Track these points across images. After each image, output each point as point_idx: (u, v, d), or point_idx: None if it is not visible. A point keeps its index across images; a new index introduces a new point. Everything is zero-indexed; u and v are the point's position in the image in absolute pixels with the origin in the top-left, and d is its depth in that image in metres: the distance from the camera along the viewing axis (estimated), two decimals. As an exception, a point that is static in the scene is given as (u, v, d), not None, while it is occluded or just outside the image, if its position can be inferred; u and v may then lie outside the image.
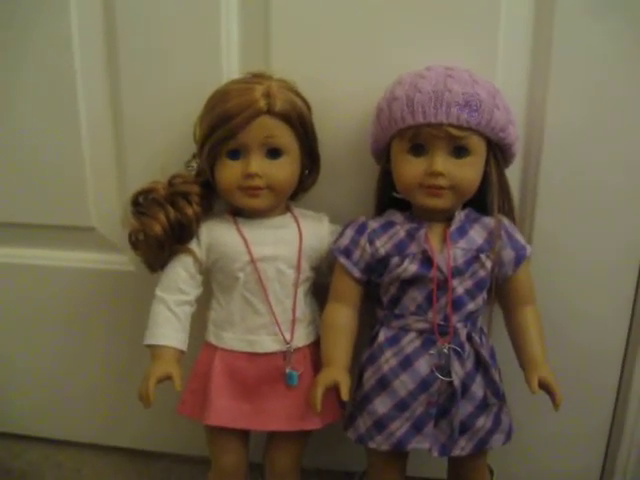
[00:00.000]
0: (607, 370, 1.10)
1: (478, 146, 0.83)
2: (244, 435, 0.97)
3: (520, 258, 0.89)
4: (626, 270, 1.03)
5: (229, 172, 0.88)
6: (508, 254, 0.88)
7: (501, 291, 0.91)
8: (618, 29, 0.92)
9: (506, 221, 0.90)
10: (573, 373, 1.05)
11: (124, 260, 1.13)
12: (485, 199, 0.89)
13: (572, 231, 1.01)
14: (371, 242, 0.89)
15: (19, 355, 1.28)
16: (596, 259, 1.02)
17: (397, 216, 0.90)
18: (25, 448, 1.34)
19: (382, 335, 0.89)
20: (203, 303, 0.97)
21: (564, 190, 0.99)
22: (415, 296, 0.87)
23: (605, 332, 1.07)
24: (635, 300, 1.05)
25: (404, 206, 0.91)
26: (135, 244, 0.93)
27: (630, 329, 1.06)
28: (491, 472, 1.00)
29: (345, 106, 0.97)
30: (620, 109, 0.95)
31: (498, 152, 0.87)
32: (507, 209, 0.92)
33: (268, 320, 0.92)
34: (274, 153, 0.88)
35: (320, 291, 0.97)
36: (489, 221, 0.88)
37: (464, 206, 0.90)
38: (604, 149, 0.97)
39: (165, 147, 1.03)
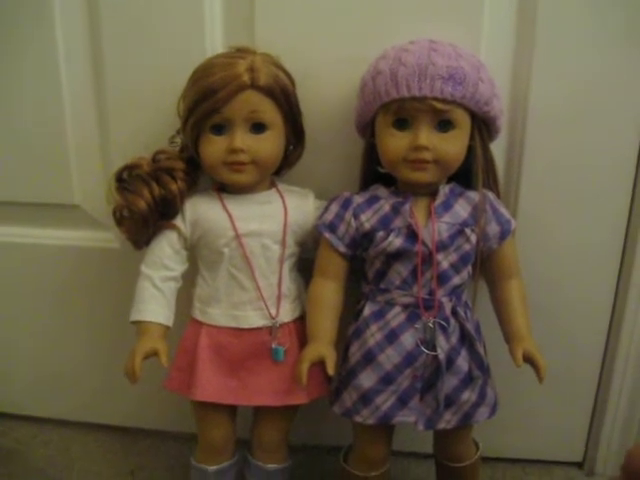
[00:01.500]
0: (590, 349, 1.11)
1: (462, 120, 0.83)
2: (231, 410, 0.98)
3: (505, 232, 0.89)
4: (610, 249, 1.04)
5: (213, 147, 0.88)
6: (493, 228, 0.88)
7: (486, 265, 0.92)
8: (603, 6, 0.92)
9: (491, 195, 0.90)
10: (557, 351, 1.05)
11: (109, 237, 1.13)
12: (470, 173, 0.89)
13: (556, 210, 1.02)
14: (356, 217, 0.89)
15: (4, 334, 1.28)
16: (580, 238, 1.03)
17: (382, 190, 0.90)
18: (13, 426, 1.34)
19: (367, 309, 0.90)
20: (189, 279, 0.97)
21: (548, 167, 0.99)
22: (400, 270, 0.87)
23: (588, 313, 1.08)
24: (618, 280, 1.06)
25: (389, 181, 0.90)
26: (120, 220, 0.93)
27: (613, 309, 1.08)
28: (476, 446, 1.01)
29: (330, 80, 0.97)
30: (605, 87, 0.95)
31: (482, 126, 0.86)
32: (492, 183, 0.92)
33: (254, 295, 0.92)
34: (258, 128, 0.87)
35: (306, 266, 0.97)
36: (474, 195, 0.88)
37: (449, 180, 0.90)
38: (588, 126, 0.97)
39: (149, 123, 1.02)
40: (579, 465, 1.19)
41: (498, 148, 0.95)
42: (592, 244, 1.03)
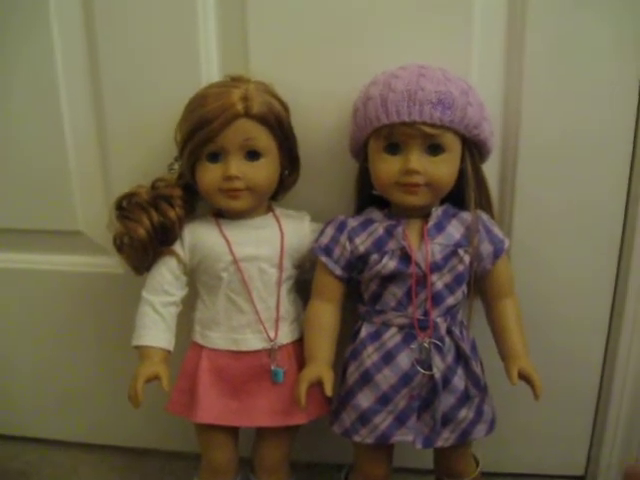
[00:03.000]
0: (589, 364, 1.12)
1: (452, 143, 0.84)
2: (233, 431, 0.99)
3: (498, 251, 0.90)
4: (605, 269, 1.05)
5: (209, 175, 0.90)
6: (486, 248, 0.90)
7: (481, 285, 0.93)
8: (594, 25, 0.93)
9: (484, 215, 0.91)
10: (556, 368, 1.07)
11: (112, 263, 1.14)
12: (463, 195, 0.90)
13: (550, 228, 1.03)
14: (351, 240, 0.90)
15: (12, 358, 1.30)
16: (575, 255, 1.04)
17: (376, 213, 0.92)
18: (22, 449, 1.36)
19: (364, 330, 0.91)
20: (189, 304, 0.98)
21: (541, 187, 1.00)
22: (395, 292, 0.88)
23: (586, 329, 1.09)
24: (614, 296, 1.06)
25: (383, 204, 0.92)
26: (120, 247, 0.95)
27: (610, 325, 1.08)
28: (476, 462, 1.02)
29: (324, 106, 0.98)
30: (597, 107, 0.96)
31: (473, 148, 0.88)
32: (485, 204, 0.93)
33: (252, 319, 0.94)
34: (253, 155, 0.89)
35: (305, 288, 0.99)
36: (467, 216, 0.89)
37: (443, 202, 0.91)
38: (580, 146, 0.98)
39: (148, 151, 1.04)
40: (581, 479, 1.19)
41: (491, 168, 0.96)
42: (587, 261, 1.04)
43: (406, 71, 0.84)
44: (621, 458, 1.14)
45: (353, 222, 0.91)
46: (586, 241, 1.03)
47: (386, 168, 0.85)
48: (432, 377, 0.87)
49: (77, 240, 1.17)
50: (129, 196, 0.94)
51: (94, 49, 1.04)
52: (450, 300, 0.88)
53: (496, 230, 0.91)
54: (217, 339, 0.95)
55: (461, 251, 0.88)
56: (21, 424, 1.37)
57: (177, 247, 0.95)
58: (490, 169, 0.95)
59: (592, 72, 0.95)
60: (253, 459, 1.03)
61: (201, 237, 0.94)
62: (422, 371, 0.87)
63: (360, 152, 0.92)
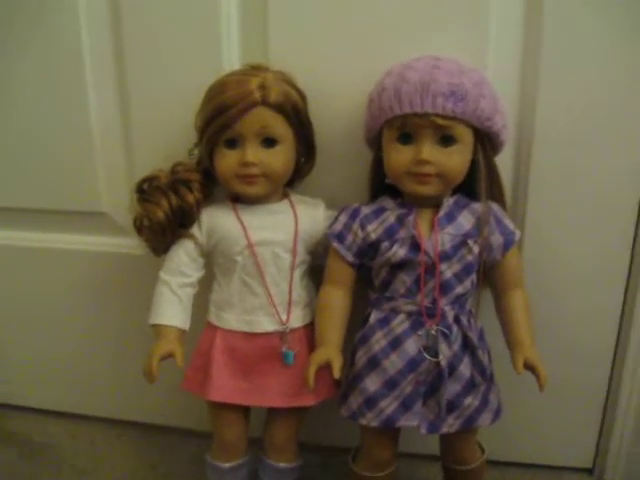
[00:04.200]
0: (599, 357, 1.12)
1: (464, 135, 0.85)
2: (244, 411, 1.02)
3: (508, 243, 0.91)
4: (617, 261, 1.05)
5: (226, 161, 0.92)
6: (497, 239, 0.91)
7: (490, 275, 0.94)
8: (609, 18, 0.93)
9: (495, 206, 0.92)
10: (565, 359, 1.08)
11: (133, 244, 1.17)
12: (475, 186, 0.91)
13: (563, 222, 1.03)
14: (363, 227, 0.92)
15: (35, 334, 1.35)
16: (587, 249, 1.04)
17: (388, 202, 0.93)
18: (45, 421, 1.41)
19: (373, 316, 0.93)
20: (206, 285, 1.01)
21: (555, 180, 1.01)
22: (404, 279, 0.90)
23: (597, 322, 1.09)
24: (626, 290, 1.07)
25: (396, 193, 0.93)
26: (139, 229, 0.98)
27: (621, 323, 1.09)
28: (482, 450, 1.03)
29: (340, 96, 1.00)
30: (612, 98, 0.96)
31: (486, 140, 0.88)
32: (497, 195, 0.94)
33: (265, 301, 0.96)
34: (269, 142, 0.91)
35: (317, 274, 1.00)
36: (478, 207, 0.90)
37: (454, 192, 0.92)
38: (596, 140, 0.98)
39: (170, 136, 1.06)
40: (589, 471, 1.20)
41: (505, 160, 0.97)
42: (599, 255, 1.04)
43: (420, 62, 0.85)
44: (629, 450, 1.15)
45: (366, 210, 0.93)
46: (599, 233, 1.03)
47: (398, 158, 0.86)
48: (438, 364, 0.89)
49: (100, 221, 1.20)
50: (149, 179, 0.97)
51: (119, 36, 1.07)
52: (459, 289, 0.90)
53: (507, 221, 0.92)
54: (231, 320, 0.97)
55: (470, 241, 0.89)
56: (44, 398, 1.42)
57: (195, 230, 0.97)
58: (504, 160, 0.95)
59: (609, 64, 0.94)
60: (263, 439, 1.06)
61: (218, 221, 0.97)
62: (428, 358, 0.88)
63: (374, 141, 0.93)
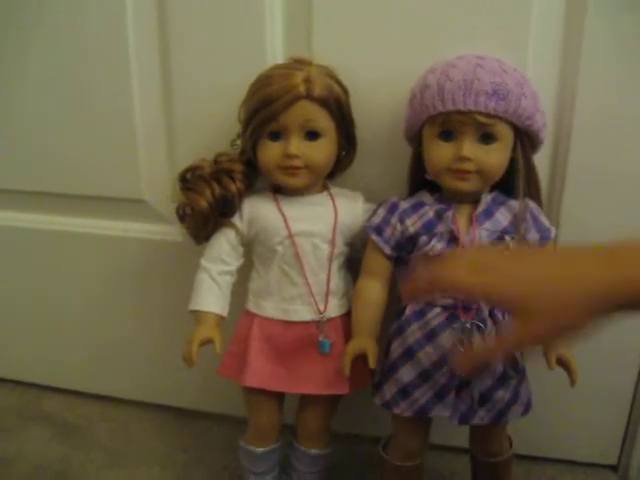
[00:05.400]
0: (628, 355, 1.13)
1: (505, 133, 0.86)
2: (278, 397, 1.04)
3: (544, 240, 0.92)
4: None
5: (270, 152, 0.94)
6: (533, 236, 0.92)
7: (526, 271, 0.95)
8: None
9: (532, 204, 0.93)
10: (594, 357, 1.05)
11: (172, 231, 1.20)
12: (513, 183, 0.92)
13: (599, 220, 1.03)
14: (401, 221, 0.93)
15: (75, 318, 1.38)
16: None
17: (427, 197, 0.95)
18: (80, 403, 1.44)
19: (409, 309, 0.94)
20: (244, 274, 1.03)
21: (592, 178, 1.01)
22: (441, 273, 0.91)
23: (625, 325, 1.06)
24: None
25: (435, 188, 0.95)
26: (182, 217, 1.00)
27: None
28: (510, 443, 1.04)
29: (381, 91, 1.01)
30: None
31: (525, 139, 0.89)
32: (534, 193, 0.95)
33: (303, 291, 0.98)
34: (312, 135, 0.93)
35: (355, 265, 1.02)
36: (515, 204, 0.92)
37: (492, 189, 0.93)
38: (633, 138, 0.98)
39: (212, 127, 1.08)
40: (613, 468, 1.21)
41: (542, 157, 0.98)
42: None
43: (463, 61, 0.86)
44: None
45: (405, 204, 0.95)
46: (635, 233, 1.02)
47: (439, 154, 0.88)
48: (472, 357, 0.90)
49: (141, 208, 1.23)
50: (193, 169, 0.99)
51: (164, 28, 1.09)
52: (495, 284, 0.91)
53: (543, 219, 0.93)
54: (269, 308, 0.99)
55: (507, 238, 0.90)
56: (80, 379, 1.46)
57: (236, 219, 0.99)
58: (541, 158, 0.96)
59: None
60: (296, 426, 1.07)
61: (259, 211, 0.99)
62: (462, 350, 0.90)
63: (415, 137, 0.94)
